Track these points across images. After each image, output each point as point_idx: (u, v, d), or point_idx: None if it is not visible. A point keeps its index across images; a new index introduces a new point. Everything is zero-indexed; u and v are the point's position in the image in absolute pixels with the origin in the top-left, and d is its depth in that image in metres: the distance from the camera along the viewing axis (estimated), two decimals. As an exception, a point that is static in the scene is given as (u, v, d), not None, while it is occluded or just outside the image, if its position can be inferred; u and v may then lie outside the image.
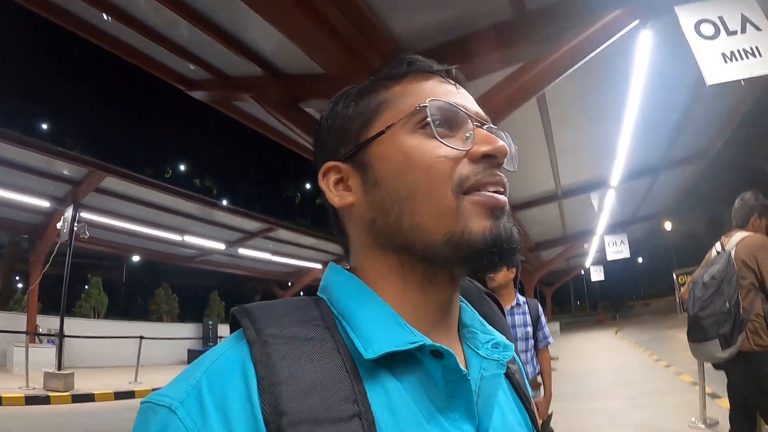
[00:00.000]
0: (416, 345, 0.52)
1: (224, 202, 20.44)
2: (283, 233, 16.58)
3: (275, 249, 18.17)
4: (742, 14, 3.75)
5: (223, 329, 19.72)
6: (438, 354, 0.53)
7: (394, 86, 0.63)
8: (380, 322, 0.54)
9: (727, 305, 3.11)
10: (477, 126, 0.61)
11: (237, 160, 66.51)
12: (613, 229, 16.48)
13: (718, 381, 4.26)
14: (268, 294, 27.48)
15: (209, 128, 67.42)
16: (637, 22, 4.36)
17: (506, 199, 0.59)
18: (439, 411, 0.53)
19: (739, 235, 3.35)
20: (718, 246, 3.51)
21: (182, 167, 57.91)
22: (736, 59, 3.64)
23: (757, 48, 3.64)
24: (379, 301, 0.57)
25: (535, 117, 7.32)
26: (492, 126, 0.63)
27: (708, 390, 6.01)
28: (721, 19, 3.75)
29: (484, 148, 0.58)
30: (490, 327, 0.66)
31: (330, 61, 4.82)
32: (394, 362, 0.52)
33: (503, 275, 3.35)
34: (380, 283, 0.59)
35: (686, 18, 3.78)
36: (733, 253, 3.25)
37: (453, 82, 0.65)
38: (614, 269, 30.03)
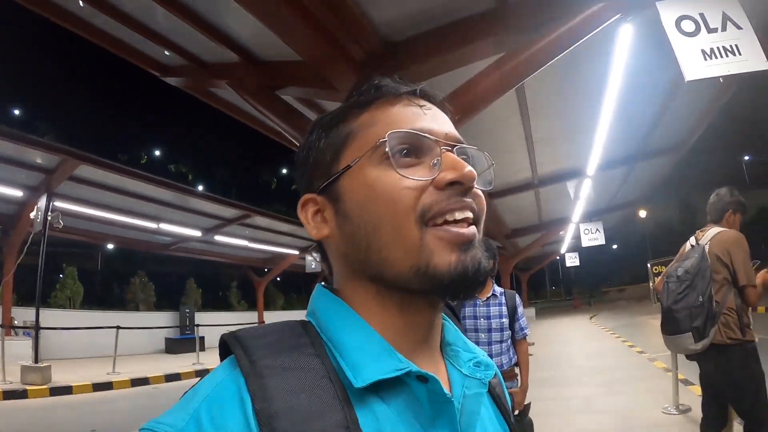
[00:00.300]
0: (403, 371, 0.53)
1: (200, 188, 20.18)
2: (259, 220, 16.49)
3: (252, 235, 18.09)
4: (723, 12, 3.78)
5: (200, 317, 19.61)
6: (423, 378, 0.54)
7: (362, 114, 0.63)
8: (368, 349, 0.55)
9: (701, 299, 3.17)
10: (447, 149, 0.60)
11: (212, 145, 65.59)
12: (589, 216, 16.69)
13: (690, 368, 4.35)
14: (244, 280, 27.36)
15: (184, 113, 66.36)
16: (618, 15, 4.38)
17: (474, 231, 0.58)
18: (425, 430, 0.54)
19: (713, 231, 3.41)
20: (692, 240, 3.57)
21: (157, 153, 57.01)
22: (716, 56, 3.67)
23: (736, 46, 3.68)
24: (365, 327, 0.58)
25: (513, 106, 7.34)
26: (464, 146, 0.63)
27: (681, 377, 6.17)
28: (702, 16, 3.77)
29: (450, 176, 0.57)
30: (472, 345, 0.69)
31: (308, 48, 4.77)
32: (382, 387, 0.53)
33: None
34: (362, 308, 0.59)
35: (667, 14, 3.80)
36: (707, 247, 3.32)
37: (422, 104, 0.63)
38: (589, 256, 30.46)
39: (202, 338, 15.93)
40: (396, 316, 0.59)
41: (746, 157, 48.26)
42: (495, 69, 4.84)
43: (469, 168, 0.58)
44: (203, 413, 0.48)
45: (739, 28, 3.72)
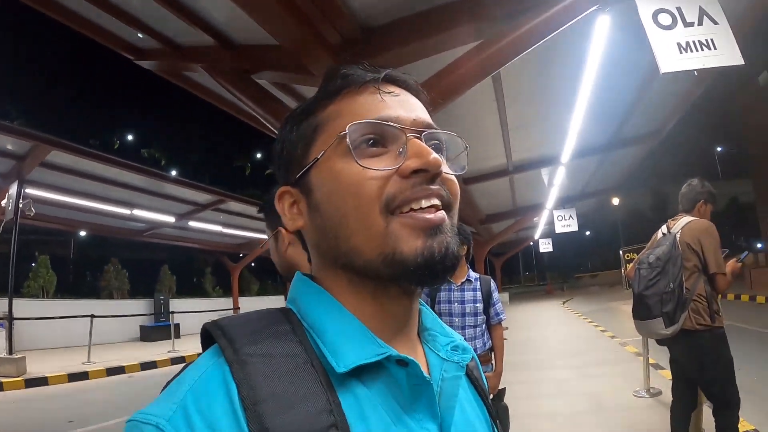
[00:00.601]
0: (383, 356, 0.54)
1: (173, 173, 19.82)
2: (233, 205, 16.26)
3: (226, 221, 17.85)
4: (700, 7, 3.82)
5: (175, 304, 19.44)
6: (403, 362, 0.55)
7: (329, 106, 0.63)
8: (348, 335, 0.56)
9: (671, 285, 3.26)
10: (414, 136, 0.59)
11: (186, 129, 64.56)
12: (563, 203, 16.82)
13: (661, 352, 4.47)
14: (219, 266, 27.09)
15: (157, 97, 65.07)
16: (596, 6, 4.41)
17: (442, 216, 0.58)
18: (405, 412, 0.55)
19: (685, 219, 3.50)
20: (664, 228, 3.66)
21: (129, 137, 55.82)
22: (691, 50, 3.71)
23: (712, 41, 3.72)
24: (345, 313, 0.58)
25: (490, 93, 7.34)
26: (433, 131, 0.62)
27: (651, 361, 6.33)
28: (679, 10, 3.81)
29: (413, 164, 0.57)
30: (449, 329, 0.70)
31: (283, 32, 4.70)
32: (363, 371, 0.54)
33: None
34: (339, 296, 0.60)
35: (645, 6, 3.83)
36: (678, 236, 3.41)
37: (389, 90, 0.63)
38: (562, 242, 30.87)
39: (177, 325, 15.81)
40: (371, 304, 0.60)
41: (718, 149, 49.34)
42: (473, 56, 4.83)
43: (434, 155, 0.58)
44: (189, 402, 0.48)
45: (715, 23, 3.76)
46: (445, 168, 0.60)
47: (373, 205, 0.56)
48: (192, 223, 16.82)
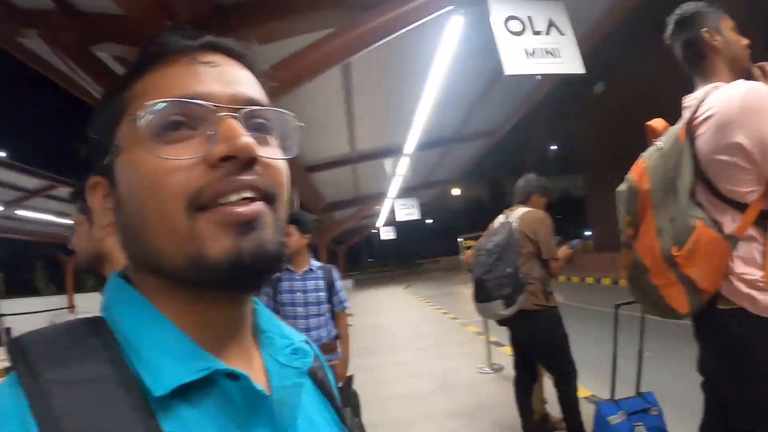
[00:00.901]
0: (208, 372, 0.48)
1: (0, 155, 17.53)
2: (66, 191, 14.79)
3: (59, 209, 16.16)
4: (549, 18, 4.17)
5: (4, 305, 17.38)
6: (234, 375, 0.49)
7: (138, 82, 0.54)
8: (167, 349, 0.48)
9: (509, 270, 3.52)
10: (228, 115, 0.50)
11: (17, 105, 56.99)
12: (405, 192, 17.33)
13: (500, 331, 4.87)
14: (51, 260, 24.56)
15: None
16: (452, 7, 4.60)
17: (257, 209, 0.50)
18: (241, 430, 0.49)
19: (521, 210, 3.83)
20: (501, 218, 3.95)
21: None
22: (537, 56, 4.05)
23: (557, 50, 4.10)
24: (163, 323, 0.50)
25: (338, 81, 7.37)
26: (255, 108, 0.53)
27: (492, 339, 6.85)
28: (529, 18, 4.13)
29: (220, 151, 0.48)
30: (289, 330, 0.64)
31: (128, 1, 4.37)
32: (189, 390, 0.47)
33: (295, 241, 3.40)
34: (156, 302, 0.52)
35: (497, 11, 4.10)
36: (515, 224, 3.71)
37: (208, 60, 0.54)
38: (405, 229, 31.96)
39: (8, 330, 14.16)
40: (189, 311, 0.52)
41: (554, 147, 54.72)
42: (325, 42, 4.80)
43: (244, 138, 0.49)
44: None
45: (562, 34, 4.15)
46: (266, 152, 0.52)
47: (175, 202, 0.48)
48: (20, 212, 14.94)
